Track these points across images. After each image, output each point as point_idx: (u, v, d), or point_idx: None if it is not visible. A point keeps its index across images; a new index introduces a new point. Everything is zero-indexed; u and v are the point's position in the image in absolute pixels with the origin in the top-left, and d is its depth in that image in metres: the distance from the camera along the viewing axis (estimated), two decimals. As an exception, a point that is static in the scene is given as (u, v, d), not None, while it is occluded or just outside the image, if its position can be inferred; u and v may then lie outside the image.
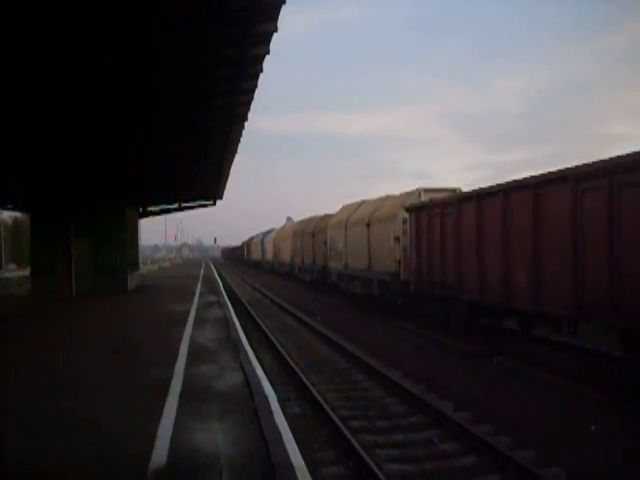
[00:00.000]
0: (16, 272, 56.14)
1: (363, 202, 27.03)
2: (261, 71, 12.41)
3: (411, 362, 13.51)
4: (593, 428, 8.46)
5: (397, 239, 20.20)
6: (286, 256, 46.81)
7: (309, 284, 37.55)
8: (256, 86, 13.62)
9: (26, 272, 40.90)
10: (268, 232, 65.76)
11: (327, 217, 33.42)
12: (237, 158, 24.64)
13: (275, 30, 10.03)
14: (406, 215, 19.61)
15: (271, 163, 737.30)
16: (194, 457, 6.02)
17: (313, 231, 35.22)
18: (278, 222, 65.92)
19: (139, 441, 6.52)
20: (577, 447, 7.78)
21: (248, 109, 15.91)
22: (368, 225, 23.24)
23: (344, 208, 30.12)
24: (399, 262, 20.04)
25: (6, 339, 14.42)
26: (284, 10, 9.19)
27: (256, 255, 74.89)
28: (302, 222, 42.86)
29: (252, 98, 14.74)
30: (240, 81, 12.91)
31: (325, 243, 30.94)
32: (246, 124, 17.62)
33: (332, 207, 44.90)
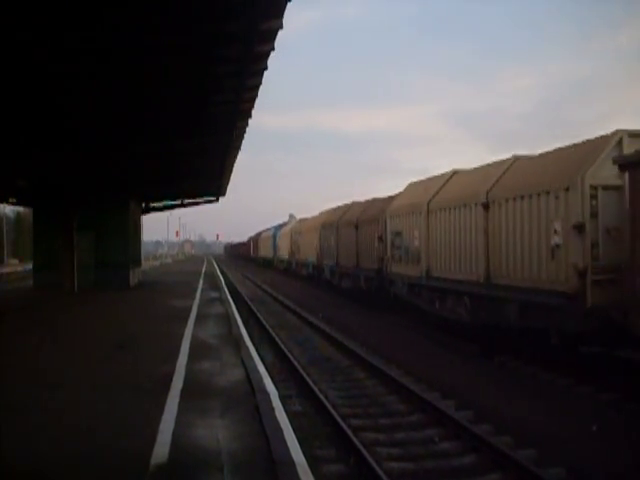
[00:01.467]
0: (18, 266, 56.28)
1: (455, 172, 17.49)
2: (266, 68, 12.38)
3: None
4: (595, 428, 8.46)
5: (578, 228, 10.72)
6: (309, 254, 36.52)
7: (350, 295, 27.22)
8: (260, 83, 13.60)
9: (28, 266, 41.01)
10: (282, 225, 56.80)
11: (377, 201, 25.18)
12: (240, 155, 24.58)
13: (280, 27, 9.99)
14: (602, 180, 10.64)
15: (272, 161, 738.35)
16: (196, 453, 6.03)
17: (356, 222, 26.07)
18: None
19: (141, 436, 6.53)
20: (578, 447, 7.78)
21: (252, 106, 15.89)
22: (486, 206, 14.01)
23: (412, 186, 20.66)
24: (582, 273, 10.57)
25: (7, 333, 14.44)
26: (289, 7, 9.19)
27: (266, 252, 64.09)
28: (337, 209, 32.45)
29: (256, 95, 14.73)
30: (244, 78, 12.88)
31: (380, 238, 22.15)
32: (249, 121, 17.65)
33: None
